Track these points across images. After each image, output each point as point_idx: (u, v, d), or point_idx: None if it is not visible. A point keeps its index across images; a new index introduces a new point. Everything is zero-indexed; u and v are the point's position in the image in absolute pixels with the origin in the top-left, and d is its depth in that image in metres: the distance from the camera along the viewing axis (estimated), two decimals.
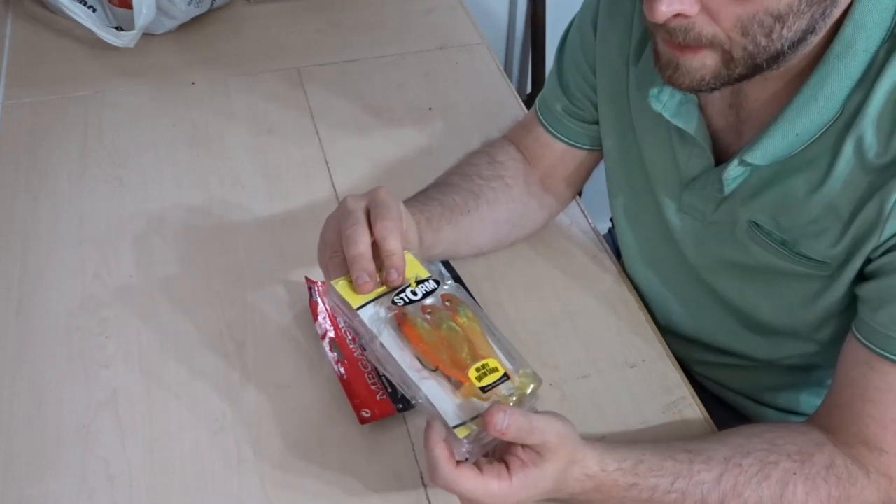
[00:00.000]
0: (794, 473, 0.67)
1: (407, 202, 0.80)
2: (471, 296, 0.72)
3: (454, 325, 0.66)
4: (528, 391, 0.64)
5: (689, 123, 0.75)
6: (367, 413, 0.75)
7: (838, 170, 0.66)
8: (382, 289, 0.68)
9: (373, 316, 0.66)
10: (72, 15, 1.16)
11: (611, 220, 1.22)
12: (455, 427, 0.61)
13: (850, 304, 0.72)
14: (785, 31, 0.61)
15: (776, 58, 0.63)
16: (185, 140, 1.06)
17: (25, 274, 0.88)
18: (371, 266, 0.67)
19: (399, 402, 0.75)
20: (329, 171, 1.02)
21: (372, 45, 1.24)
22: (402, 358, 0.64)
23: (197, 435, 0.75)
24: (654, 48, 0.68)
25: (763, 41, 0.61)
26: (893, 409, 0.67)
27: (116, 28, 1.18)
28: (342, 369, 0.78)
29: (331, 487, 0.72)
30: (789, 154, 0.69)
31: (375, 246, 0.69)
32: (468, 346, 0.65)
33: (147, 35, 1.18)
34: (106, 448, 0.74)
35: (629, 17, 0.80)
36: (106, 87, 1.13)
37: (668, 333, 0.89)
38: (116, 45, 1.15)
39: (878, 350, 0.67)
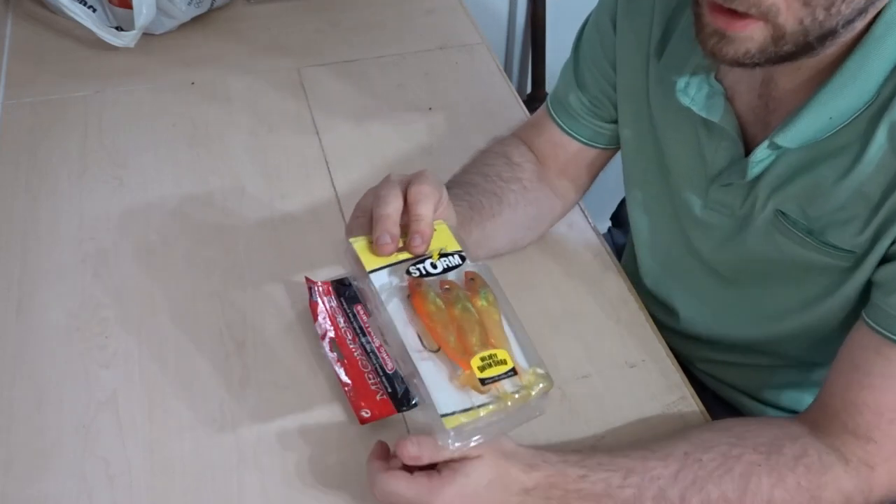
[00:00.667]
0: (759, 465, 0.67)
1: None
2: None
3: (469, 306, 0.62)
4: (535, 391, 0.59)
5: (719, 115, 0.74)
6: (367, 413, 0.75)
7: (870, 155, 0.65)
8: (403, 255, 0.64)
9: (385, 283, 0.63)
10: (72, 15, 1.16)
11: (610, 219, 1.22)
12: (444, 416, 0.57)
13: (865, 299, 0.71)
14: (843, 7, 0.59)
15: (825, 37, 0.61)
16: (185, 140, 1.06)
17: (25, 274, 0.88)
18: (395, 229, 0.65)
19: (399, 402, 0.75)
20: (329, 171, 1.02)
21: (372, 45, 1.24)
22: (404, 332, 0.60)
23: (197, 435, 0.75)
24: (698, 19, 0.65)
25: (821, 15, 0.59)
26: (892, 397, 0.67)
27: (116, 28, 1.18)
28: (342, 369, 0.78)
29: (331, 487, 0.72)
30: (820, 138, 0.68)
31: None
32: (479, 332, 0.61)
33: (147, 35, 1.18)
34: (106, 448, 0.74)
35: (648, 13, 0.79)
36: (106, 87, 1.13)
37: (673, 330, 0.89)
38: (116, 45, 1.15)
39: (888, 334, 0.66)
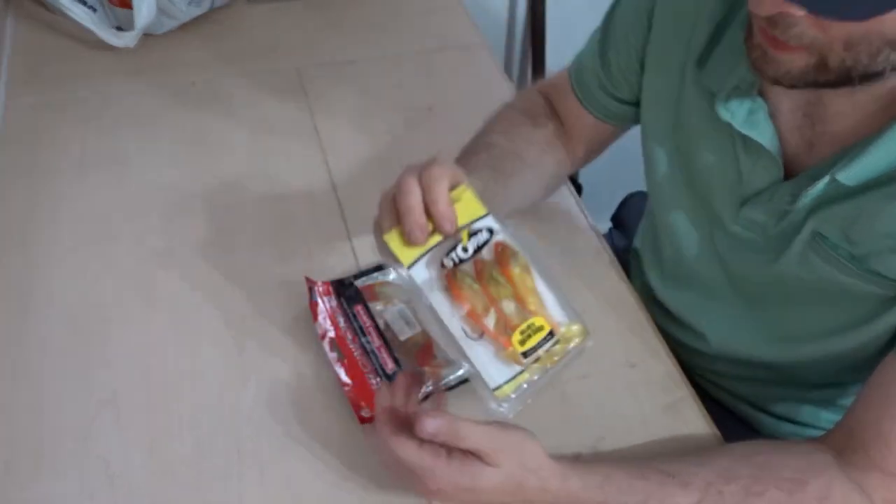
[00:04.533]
0: None
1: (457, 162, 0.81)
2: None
3: (502, 279, 0.66)
4: (571, 345, 0.66)
5: (761, 134, 0.71)
6: (367, 413, 0.75)
7: None
8: (436, 239, 0.66)
9: (425, 277, 0.66)
10: (72, 15, 1.16)
11: (611, 220, 1.22)
12: (494, 390, 0.64)
13: None
14: (893, 57, 0.58)
15: (869, 77, 0.60)
16: (185, 140, 1.06)
17: (25, 274, 0.88)
18: (422, 218, 0.66)
19: None
20: (329, 171, 1.02)
21: (372, 45, 1.24)
22: (450, 322, 0.65)
23: (197, 435, 0.75)
24: (749, 29, 0.64)
25: (865, 60, 0.58)
26: None
27: (116, 28, 1.18)
28: (342, 369, 0.78)
29: (331, 487, 0.72)
30: (883, 174, 0.65)
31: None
32: (516, 303, 0.65)
33: (147, 35, 1.18)
34: (106, 448, 0.74)
35: (692, 16, 0.76)
36: (106, 86, 1.13)
37: (680, 342, 0.89)
38: (116, 45, 1.15)
39: None
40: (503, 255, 0.67)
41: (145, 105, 1.11)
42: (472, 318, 0.65)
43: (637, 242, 1.01)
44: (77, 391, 0.78)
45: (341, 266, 0.90)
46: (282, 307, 0.86)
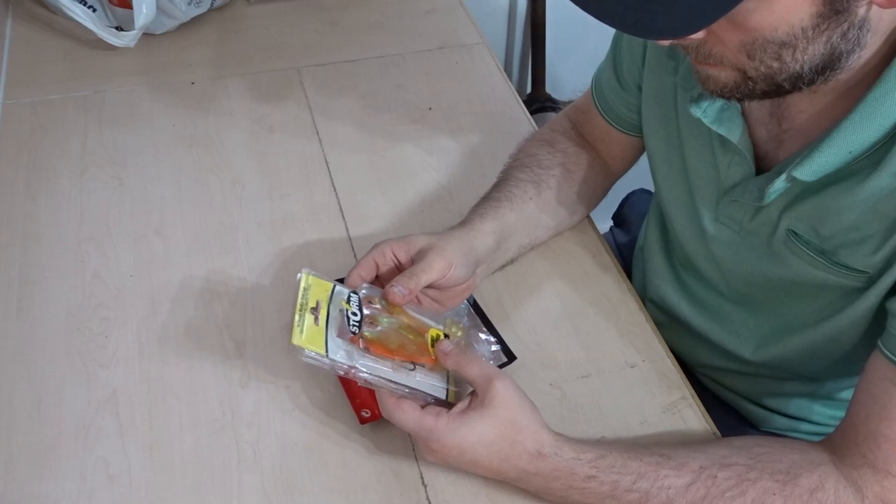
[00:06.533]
0: (774, 494, 0.65)
1: (469, 213, 0.86)
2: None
3: (392, 319, 0.73)
4: (460, 334, 0.76)
5: (731, 131, 0.73)
6: (367, 413, 0.75)
7: (884, 175, 0.64)
8: (320, 333, 0.71)
9: (343, 353, 0.70)
10: (72, 15, 1.16)
11: (612, 218, 1.22)
12: (446, 398, 0.71)
13: (875, 319, 0.71)
14: (798, 55, 0.58)
15: (799, 78, 0.61)
16: (185, 140, 1.06)
17: (25, 274, 0.88)
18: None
19: None
20: (329, 171, 1.02)
21: (372, 45, 1.24)
22: (388, 373, 0.70)
23: (197, 435, 0.75)
24: None
25: (774, 64, 0.59)
26: None
27: (116, 28, 1.18)
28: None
29: (331, 487, 0.72)
30: (838, 170, 0.66)
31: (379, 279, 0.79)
32: (413, 331, 0.73)
33: (147, 35, 1.18)
34: (106, 448, 0.74)
35: None
36: (106, 87, 1.13)
37: (678, 333, 0.89)
38: (116, 45, 1.15)
39: None
40: (375, 302, 0.74)
41: (145, 105, 1.11)
42: (399, 357, 0.71)
43: (641, 241, 1.02)
44: (77, 391, 0.78)
45: (341, 266, 0.90)
46: (282, 307, 0.86)
